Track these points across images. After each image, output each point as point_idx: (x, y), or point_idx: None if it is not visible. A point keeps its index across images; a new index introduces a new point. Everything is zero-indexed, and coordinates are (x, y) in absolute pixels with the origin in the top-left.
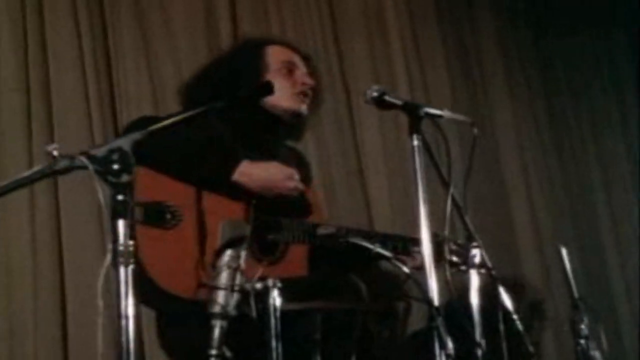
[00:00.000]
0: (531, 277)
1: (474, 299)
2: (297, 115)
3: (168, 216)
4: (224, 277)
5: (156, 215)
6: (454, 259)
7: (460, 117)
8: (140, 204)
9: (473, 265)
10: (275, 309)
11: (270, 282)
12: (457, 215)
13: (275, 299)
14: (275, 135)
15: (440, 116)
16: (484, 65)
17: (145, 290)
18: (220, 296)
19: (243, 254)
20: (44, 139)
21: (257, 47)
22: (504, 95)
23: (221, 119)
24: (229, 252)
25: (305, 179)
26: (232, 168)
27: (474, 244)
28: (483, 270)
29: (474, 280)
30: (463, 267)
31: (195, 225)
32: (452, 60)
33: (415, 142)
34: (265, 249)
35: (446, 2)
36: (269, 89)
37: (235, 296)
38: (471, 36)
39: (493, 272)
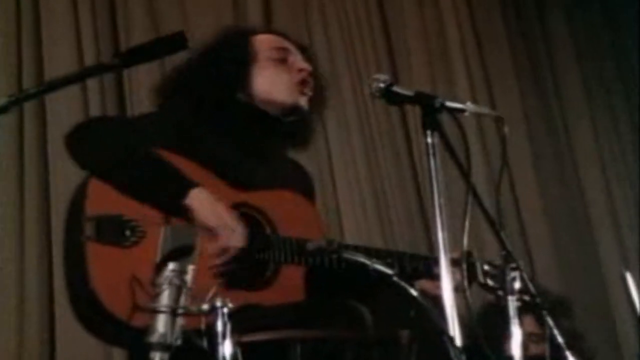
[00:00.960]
0: (617, 302)
1: (515, 330)
2: (295, 110)
3: (127, 233)
4: (164, 298)
5: (112, 231)
6: (489, 282)
7: (486, 111)
8: (92, 217)
9: (512, 291)
10: (223, 336)
11: (218, 302)
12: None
13: (225, 323)
14: (270, 138)
15: (461, 110)
16: (557, 72)
17: (95, 318)
18: (160, 322)
19: (190, 268)
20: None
21: (241, 37)
22: (582, 106)
23: (202, 118)
24: (171, 266)
25: (307, 193)
26: (186, 190)
27: (513, 265)
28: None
29: (512, 308)
30: (500, 293)
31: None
32: (522, 68)
33: (430, 140)
34: (250, 272)
35: (513, 5)
36: (180, 40)
37: (180, 322)
38: (543, 41)
39: (538, 299)
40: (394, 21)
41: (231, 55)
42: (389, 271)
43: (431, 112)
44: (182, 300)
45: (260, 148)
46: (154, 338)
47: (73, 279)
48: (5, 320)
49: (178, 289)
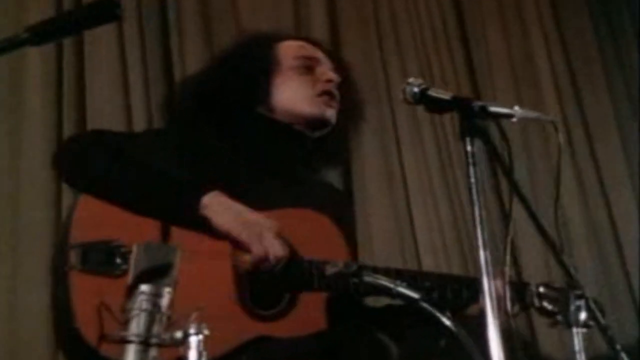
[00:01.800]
0: None
1: None
2: (320, 122)
3: (118, 260)
4: (134, 326)
5: (101, 259)
6: (546, 305)
7: (538, 115)
8: (77, 245)
9: (577, 322)
10: None
11: (192, 328)
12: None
13: (201, 353)
14: (293, 154)
15: (509, 115)
16: None
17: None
18: (130, 354)
19: (167, 290)
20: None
21: (264, 44)
22: None
23: (217, 133)
24: (144, 289)
25: (337, 216)
26: (199, 197)
27: (578, 292)
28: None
29: (577, 342)
30: (559, 318)
31: None
32: (613, 75)
33: (469, 148)
34: (264, 300)
35: (604, 15)
36: (109, 9)
37: (153, 353)
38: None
39: (608, 332)
40: (474, 33)
41: (252, 65)
42: (414, 295)
43: (470, 117)
44: (156, 329)
45: (281, 165)
46: None
47: (58, 312)
48: None
49: (151, 315)
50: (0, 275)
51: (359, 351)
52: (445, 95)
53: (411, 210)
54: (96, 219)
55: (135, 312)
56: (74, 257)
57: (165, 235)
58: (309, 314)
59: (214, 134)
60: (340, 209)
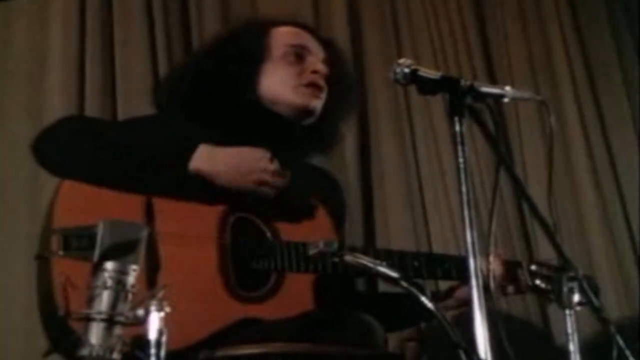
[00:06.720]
0: None
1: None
2: (304, 112)
3: None
4: (98, 303)
5: (83, 245)
6: (538, 283)
7: (529, 95)
8: (59, 230)
9: (570, 304)
10: (159, 345)
11: (153, 305)
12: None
13: (162, 332)
14: (281, 143)
15: (500, 95)
16: None
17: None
18: (93, 332)
19: (132, 268)
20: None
21: (257, 30)
22: None
23: (201, 122)
24: (110, 266)
25: (326, 200)
26: (188, 154)
27: (571, 274)
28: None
29: (570, 324)
30: (552, 297)
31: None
32: (630, 72)
33: (458, 128)
34: (249, 282)
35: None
36: None
37: (117, 330)
38: None
39: (603, 314)
40: (494, 37)
41: (243, 51)
42: (394, 274)
43: (459, 97)
44: (121, 306)
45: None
46: (85, 351)
47: (41, 299)
48: None
49: (116, 293)
50: None
51: (345, 331)
52: (435, 75)
53: (422, 187)
54: (79, 204)
55: (99, 289)
56: (55, 243)
57: (150, 220)
58: (296, 295)
59: (202, 120)
60: (330, 193)
